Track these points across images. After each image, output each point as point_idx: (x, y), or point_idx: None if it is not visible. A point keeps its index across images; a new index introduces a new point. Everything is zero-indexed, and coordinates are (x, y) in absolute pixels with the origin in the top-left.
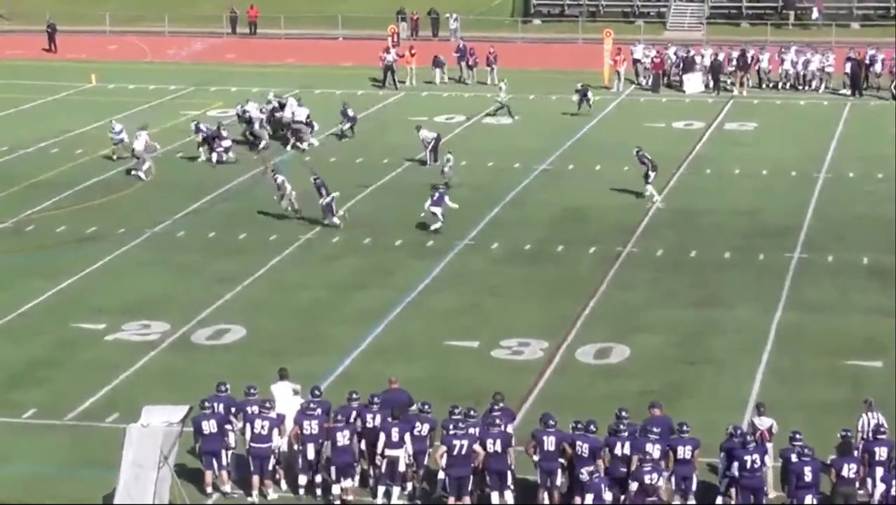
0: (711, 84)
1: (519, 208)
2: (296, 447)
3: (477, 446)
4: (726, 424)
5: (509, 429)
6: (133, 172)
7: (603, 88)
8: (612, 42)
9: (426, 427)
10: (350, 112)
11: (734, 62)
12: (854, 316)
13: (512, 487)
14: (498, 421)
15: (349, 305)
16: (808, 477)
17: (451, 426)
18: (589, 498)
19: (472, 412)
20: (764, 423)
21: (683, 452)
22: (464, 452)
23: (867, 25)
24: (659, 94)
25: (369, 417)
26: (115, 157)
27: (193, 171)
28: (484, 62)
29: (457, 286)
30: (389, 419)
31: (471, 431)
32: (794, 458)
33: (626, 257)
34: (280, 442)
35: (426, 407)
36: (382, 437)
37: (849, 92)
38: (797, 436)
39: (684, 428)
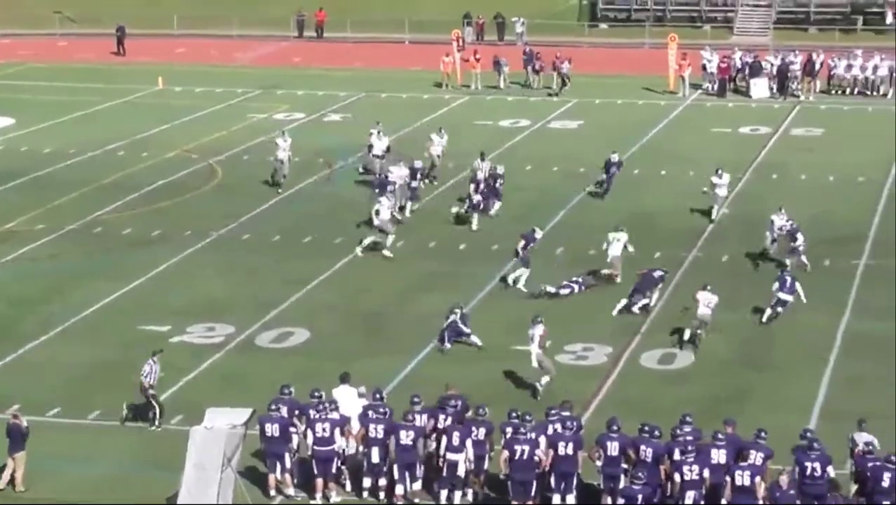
0: (777, 89)
1: (583, 213)
2: (360, 450)
3: (539, 452)
4: (791, 430)
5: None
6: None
7: (669, 93)
8: (678, 47)
9: (482, 431)
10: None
11: (800, 67)
12: None
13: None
14: (569, 424)
15: (414, 309)
16: (886, 483)
17: (510, 431)
18: (620, 501)
19: (527, 417)
20: (863, 438)
21: (755, 458)
22: (525, 456)
23: None
24: (725, 99)
25: (441, 418)
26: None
27: (258, 174)
28: (550, 67)
29: (521, 291)
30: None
31: (531, 435)
32: (870, 465)
33: (691, 263)
34: (344, 444)
35: (481, 411)
36: (444, 440)
37: None
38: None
39: (762, 435)
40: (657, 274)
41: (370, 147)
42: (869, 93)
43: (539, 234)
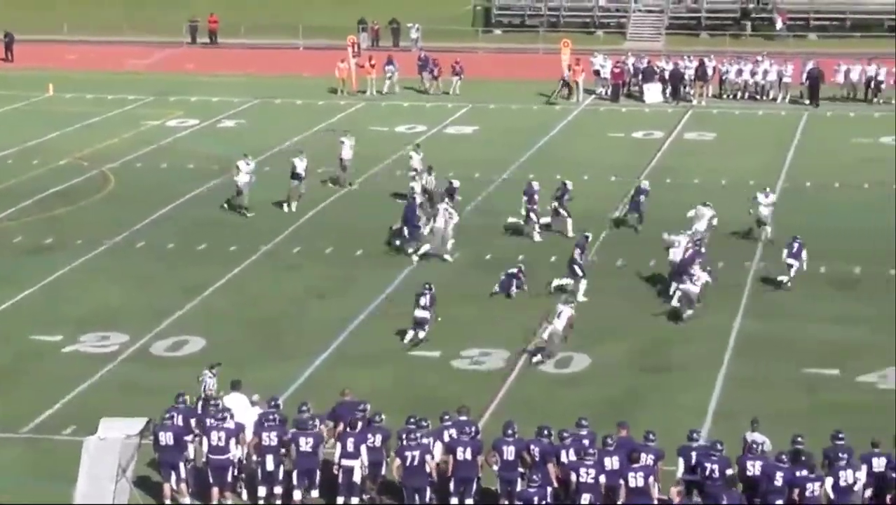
0: (670, 94)
1: (480, 218)
2: (255, 458)
3: (428, 457)
4: (686, 432)
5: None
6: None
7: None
8: (571, 52)
9: (379, 437)
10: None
11: (693, 72)
12: (812, 324)
13: (475, 496)
14: (467, 429)
15: (311, 315)
16: (779, 482)
17: (404, 437)
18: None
19: (423, 422)
20: (756, 438)
21: (646, 459)
22: (416, 462)
23: (824, 37)
24: (618, 104)
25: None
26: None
27: (152, 181)
28: (449, 72)
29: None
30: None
31: (424, 441)
32: (749, 464)
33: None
34: (239, 452)
35: (377, 417)
36: (338, 447)
37: (807, 101)
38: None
39: (650, 437)
40: (689, 254)
41: (341, 160)
42: (759, 97)
43: (589, 237)
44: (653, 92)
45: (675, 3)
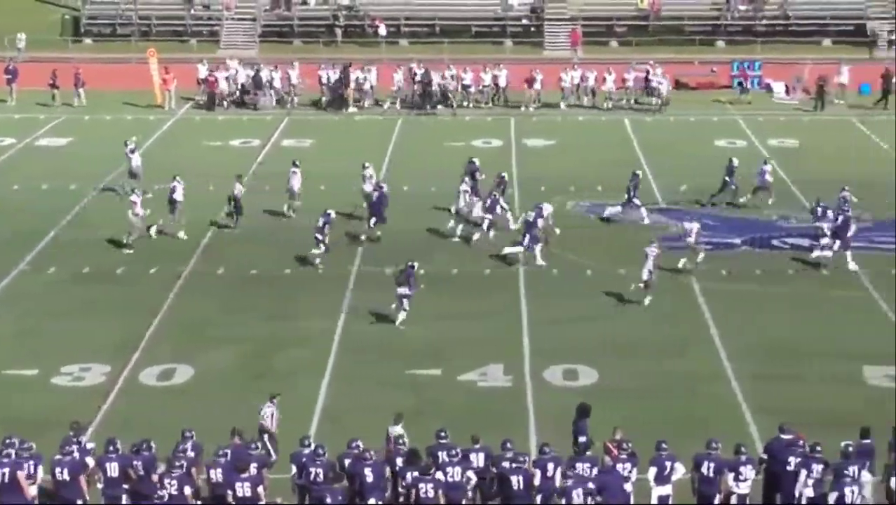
0: (277, 101)
1: (77, 230)
2: None
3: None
4: (299, 436)
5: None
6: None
7: (156, 108)
8: (159, 61)
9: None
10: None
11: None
12: (413, 324)
13: None
14: (67, 448)
15: None
16: (370, 478)
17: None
18: None
19: (25, 444)
20: (395, 431)
21: (251, 468)
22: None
23: (415, 42)
24: (215, 112)
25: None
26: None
27: None
28: (71, 83)
29: (13, 312)
30: None
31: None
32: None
33: (188, 277)
34: None
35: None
36: None
37: (419, 106)
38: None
39: (252, 446)
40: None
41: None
42: (361, 104)
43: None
44: (264, 100)
45: (267, 11)
